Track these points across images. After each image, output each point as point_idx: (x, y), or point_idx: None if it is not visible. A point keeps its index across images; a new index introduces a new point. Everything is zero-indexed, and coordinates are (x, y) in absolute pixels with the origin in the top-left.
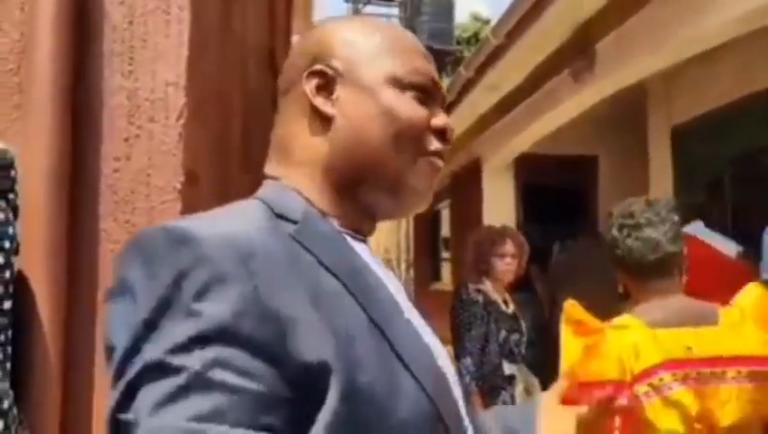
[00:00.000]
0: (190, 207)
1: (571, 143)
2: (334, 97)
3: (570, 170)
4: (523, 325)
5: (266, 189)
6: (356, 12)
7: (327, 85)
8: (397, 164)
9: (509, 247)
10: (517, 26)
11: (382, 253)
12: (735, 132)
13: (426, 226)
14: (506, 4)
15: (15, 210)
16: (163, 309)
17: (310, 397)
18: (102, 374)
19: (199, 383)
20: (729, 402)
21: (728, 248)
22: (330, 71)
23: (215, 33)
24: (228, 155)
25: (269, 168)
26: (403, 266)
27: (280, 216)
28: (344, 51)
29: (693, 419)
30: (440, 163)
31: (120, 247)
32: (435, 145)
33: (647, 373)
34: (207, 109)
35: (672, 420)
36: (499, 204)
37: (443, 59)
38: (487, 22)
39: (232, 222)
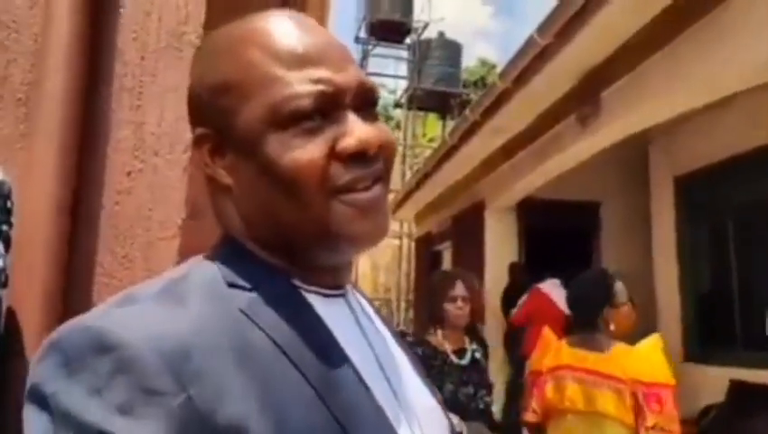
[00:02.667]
0: (191, 242)
1: (574, 188)
2: (227, 162)
3: (573, 215)
4: (486, 375)
5: (222, 246)
6: (365, 54)
7: (218, 148)
8: (308, 219)
9: (459, 289)
10: (524, 71)
11: (382, 293)
12: (739, 183)
13: (427, 267)
14: (513, 49)
15: (8, 241)
16: (77, 427)
17: None
18: None
19: None
20: (600, 398)
21: (562, 300)
22: (210, 132)
23: None
24: None
25: (226, 226)
26: (403, 306)
27: (231, 285)
28: (215, 101)
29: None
30: (365, 196)
31: (115, 282)
32: (345, 176)
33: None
34: None
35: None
36: (501, 247)
37: (450, 101)
38: (494, 66)
39: (170, 312)
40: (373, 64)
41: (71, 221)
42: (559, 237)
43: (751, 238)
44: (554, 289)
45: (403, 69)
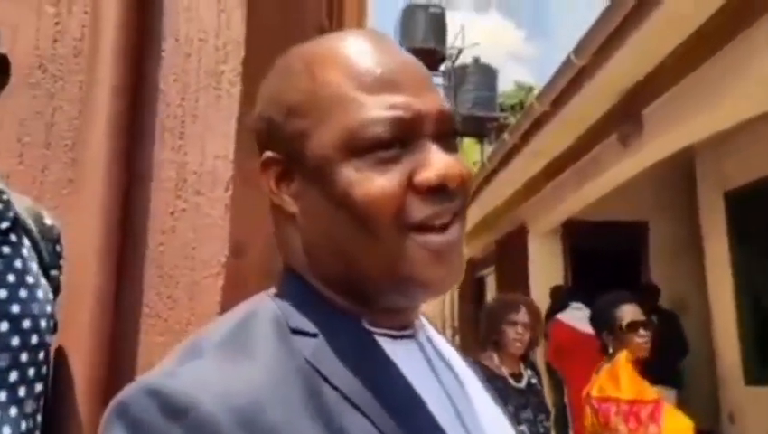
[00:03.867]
0: (235, 280)
1: (620, 208)
2: (293, 189)
3: (620, 235)
4: (544, 400)
5: (284, 286)
6: None
7: (286, 174)
8: (378, 256)
9: (521, 315)
10: (563, 93)
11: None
12: None
13: (471, 294)
14: (548, 71)
15: (57, 287)
16: None
17: None
18: None
19: None
20: None
21: (587, 326)
22: (280, 157)
23: None
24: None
25: (289, 261)
26: (449, 333)
27: (295, 331)
28: (286, 124)
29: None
30: (441, 239)
31: (161, 322)
32: (422, 212)
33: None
34: (255, 181)
35: None
36: (545, 270)
37: (486, 125)
38: (531, 89)
39: (237, 365)
40: None
41: (117, 263)
42: (606, 258)
43: None
44: (577, 315)
45: None
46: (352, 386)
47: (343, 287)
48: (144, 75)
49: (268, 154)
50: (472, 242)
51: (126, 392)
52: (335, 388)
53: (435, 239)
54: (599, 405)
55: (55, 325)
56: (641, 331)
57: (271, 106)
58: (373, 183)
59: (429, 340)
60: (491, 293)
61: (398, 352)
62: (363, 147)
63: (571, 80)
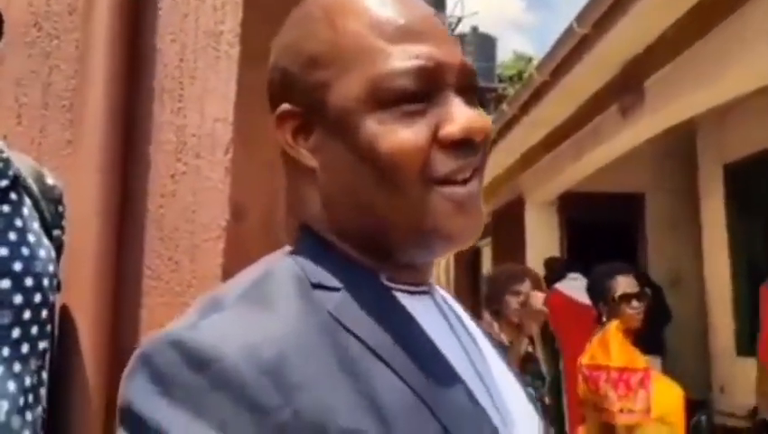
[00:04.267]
0: (235, 244)
1: (616, 180)
2: (311, 142)
3: (616, 207)
4: (540, 368)
5: (302, 243)
6: None
7: (303, 127)
8: (402, 209)
9: (525, 286)
10: (563, 63)
11: None
12: None
13: (467, 264)
14: (548, 41)
15: (60, 247)
16: None
17: None
18: None
19: None
20: None
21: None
22: (298, 110)
23: (260, 69)
24: (271, 191)
25: (306, 218)
26: None
27: (317, 286)
28: (305, 75)
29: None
30: (463, 191)
31: (162, 284)
32: (446, 165)
33: None
34: (252, 145)
35: None
36: (542, 242)
37: (485, 96)
38: (530, 60)
39: (260, 317)
40: None
41: (118, 225)
42: (602, 230)
43: None
44: (574, 285)
45: None
46: (376, 338)
47: (364, 242)
48: (140, 35)
49: (285, 106)
50: None
51: (150, 344)
52: (359, 340)
53: (457, 190)
54: (590, 373)
55: (59, 284)
56: (634, 302)
57: (288, 56)
58: (398, 135)
59: (443, 299)
60: (487, 263)
61: (417, 307)
62: (389, 99)
63: (572, 48)
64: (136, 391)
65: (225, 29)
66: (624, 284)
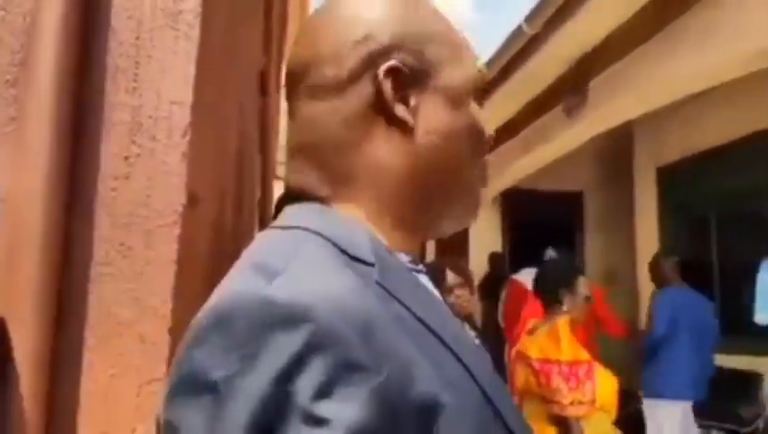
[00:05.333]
0: (189, 230)
1: (556, 178)
2: (412, 103)
3: (556, 205)
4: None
5: (317, 218)
6: None
7: (401, 87)
8: (472, 176)
9: (450, 279)
10: (511, 62)
11: None
12: (720, 174)
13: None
14: (495, 41)
15: None
16: (269, 416)
17: None
18: (85, 421)
19: None
20: None
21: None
22: (406, 70)
23: (219, 53)
24: (224, 177)
25: (308, 184)
26: None
27: (355, 258)
28: (422, 46)
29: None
30: (485, 175)
31: (113, 270)
32: (486, 151)
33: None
34: (208, 130)
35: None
36: (484, 238)
37: None
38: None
39: (331, 278)
40: None
41: (65, 207)
42: (543, 227)
43: (731, 228)
44: (530, 279)
45: None
46: (418, 307)
47: (411, 211)
48: (94, 9)
49: (398, 63)
50: None
51: (227, 299)
52: (409, 309)
53: (483, 172)
54: (541, 367)
55: None
56: (588, 301)
57: (400, 24)
58: (484, 118)
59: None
60: (429, 258)
61: (428, 285)
62: (479, 90)
63: (521, 48)
64: (200, 345)
65: (185, 8)
66: (586, 285)
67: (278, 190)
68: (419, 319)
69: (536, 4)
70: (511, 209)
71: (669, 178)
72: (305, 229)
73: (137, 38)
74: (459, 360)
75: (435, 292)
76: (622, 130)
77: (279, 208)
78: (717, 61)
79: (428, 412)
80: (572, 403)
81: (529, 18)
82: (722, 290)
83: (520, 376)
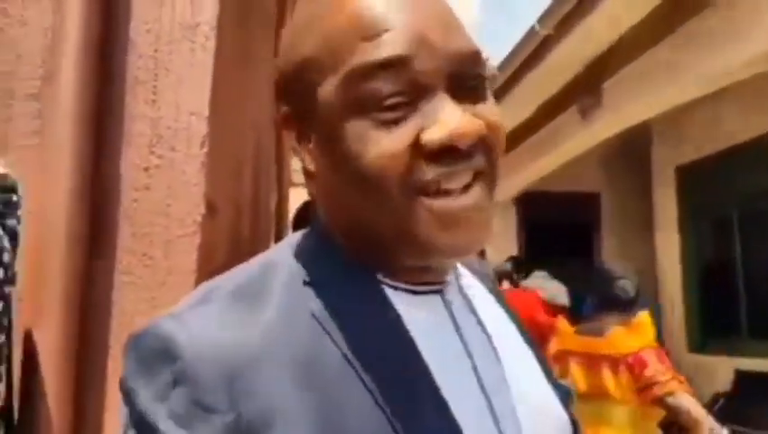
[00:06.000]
0: (208, 239)
1: (573, 179)
2: (311, 147)
3: (573, 207)
4: None
5: (307, 239)
6: None
7: (303, 130)
8: (388, 222)
9: None
10: (524, 64)
11: None
12: (742, 172)
13: None
14: (504, 42)
15: (14, 236)
16: (144, 428)
17: None
18: (113, 418)
19: None
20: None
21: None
22: (294, 112)
23: (234, 63)
24: (241, 186)
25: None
26: None
27: (308, 283)
28: (299, 77)
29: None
30: (456, 204)
31: (135, 279)
32: (431, 172)
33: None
34: (226, 140)
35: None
36: (501, 241)
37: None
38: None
39: (241, 317)
40: None
41: (88, 219)
42: (559, 229)
43: (754, 227)
44: (539, 283)
45: None
46: (355, 346)
47: (362, 245)
48: (114, 23)
49: (285, 109)
50: None
51: (143, 326)
52: (337, 346)
53: (446, 204)
54: (634, 359)
55: (14, 276)
56: None
57: (285, 59)
58: (378, 144)
59: (464, 296)
60: None
61: (415, 309)
62: (366, 101)
63: (535, 49)
64: (126, 368)
65: (202, 21)
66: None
67: (294, 197)
68: (347, 358)
69: (548, 6)
70: (527, 211)
71: (689, 177)
72: (296, 246)
73: (156, 51)
74: (380, 407)
75: (441, 314)
76: (638, 130)
77: (301, 217)
78: (731, 61)
79: None
80: (672, 378)
81: (542, 19)
82: (747, 291)
83: (611, 379)
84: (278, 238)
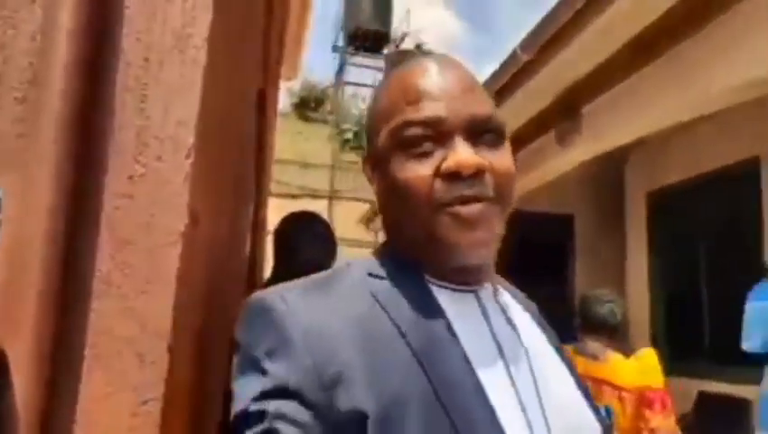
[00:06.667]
0: (189, 249)
1: (547, 200)
2: (375, 175)
3: (547, 228)
4: None
5: (381, 245)
6: (343, 62)
7: (372, 163)
8: (418, 227)
9: None
10: (506, 86)
11: None
12: (708, 199)
13: None
14: (487, 64)
15: None
16: (246, 363)
17: None
18: (81, 429)
19: (268, 431)
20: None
21: None
22: (367, 152)
23: (223, 74)
24: (223, 197)
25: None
26: None
27: (372, 275)
28: (370, 128)
29: None
30: (466, 210)
31: (114, 289)
32: (448, 193)
33: None
34: (211, 150)
35: None
36: None
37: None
38: None
39: (320, 299)
40: (352, 73)
41: (69, 225)
42: (533, 250)
43: (720, 255)
44: None
45: (381, 79)
46: (406, 322)
47: (408, 248)
48: (104, 30)
49: (364, 152)
50: None
51: (254, 297)
52: (392, 321)
53: (460, 209)
54: (652, 394)
55: None
56: None
57: (368, 112)
58: (410, 171)
59: (497, 300)
60: None
61: (454, 303)
62: (404, 144)
63: (515, 73)
64: (239, 325)
65: (193, 32)
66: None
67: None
68: (400, 330)
69: (531, 30)
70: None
71: (659, 203)
72: (374, 252)
73: (146, 59)
74: (426, 374)
75: (461, 313)
76: (613, 155)
77: (282, 230)
78: (707, 90)
79: (337, 386)
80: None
81: (524, 44)
82: (711, 318)
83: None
84: (255, 247)
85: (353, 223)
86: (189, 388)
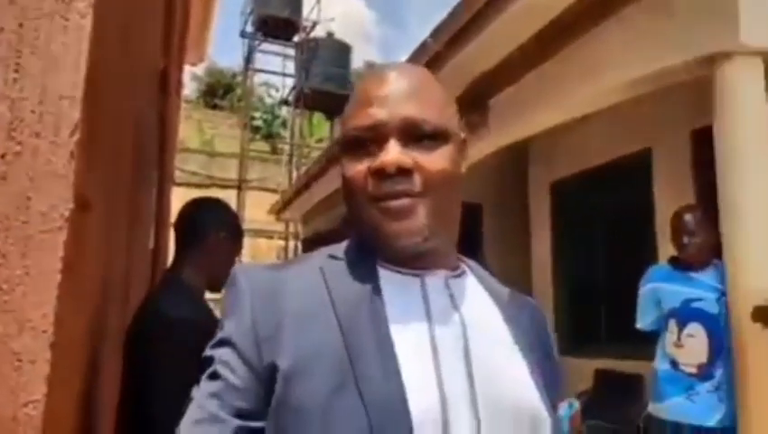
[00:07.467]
0: (78, 237)
1: None
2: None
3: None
4: None
5: (351, 236)
6: (251, 49)
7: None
8: (359, 219)
9: None
10: None
11: None
12: (606, 189)
13: None
14: (397, 55)
15: None
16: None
17: (270, 393)
18: None
19: (213, 372)
20: None
21: None
22: (337, 146)
23: (116, 48)
24: (120, 181)
25: None
26: None
27: (331, 256)
28: (341, 130)
29: None
30: (394, 203)
31: None
32: (377, 189)
33: None
34: (102, 129)
35: None
36: None
37: (336, 103)
38: None
39: (278, 270)
40: (261, 60)
41: None
42: None
43: (616, 240)
44: None
45: (291, 67)
46: (339, 293)
47: (361, 235)
48: None
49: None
50: (318, 217)
51: (234, 269)
52: (328, 291)
53: (389, 203)
54: None
55: None
56: None
57: (344, 114)
58: (352, 169)
59: (447, 285)
60: None
61: (395, 285)
62: (348, 145)
63: (426, 63)
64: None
65: None
66: None
67: (178, 197)
68: (330, 297)
69: (442, 20)
70: None
71: (561, 194)
72: (325, 249)
73: (20, 25)
74: (342, 334)
75: (415, 295)
76: (518, 146)
77: (184, 216)
78: (602, 86)
79: (269, 343)
80: None
81: (435, 33)
82: (607, 301)
83: None
84: (158, 235)
85: (263, 213)
86: (79, 388)
